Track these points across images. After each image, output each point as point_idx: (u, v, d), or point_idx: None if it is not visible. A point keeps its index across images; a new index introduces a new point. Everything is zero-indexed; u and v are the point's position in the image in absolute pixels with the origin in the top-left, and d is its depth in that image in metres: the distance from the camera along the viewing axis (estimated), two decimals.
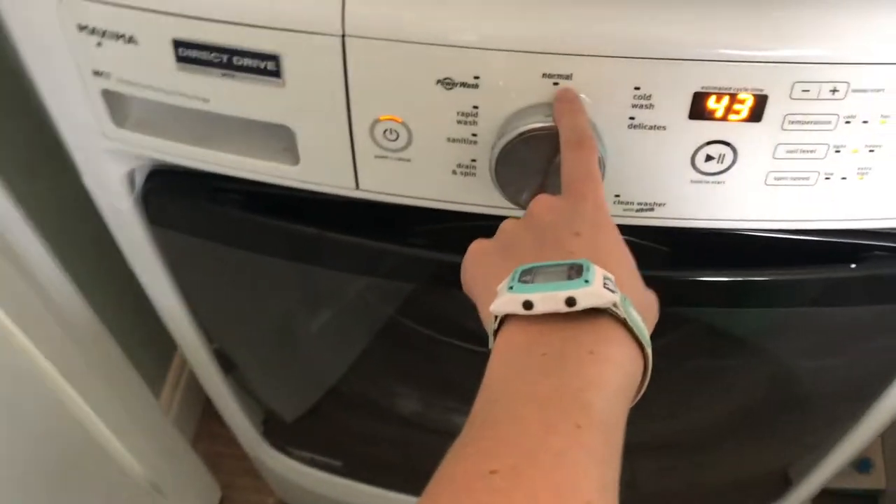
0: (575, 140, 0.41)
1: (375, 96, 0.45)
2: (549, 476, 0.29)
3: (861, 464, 1.23)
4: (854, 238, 0.52)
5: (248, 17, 0.43)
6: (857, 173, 0.45)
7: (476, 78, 0.43)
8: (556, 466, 0.29)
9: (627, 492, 0.32)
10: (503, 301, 0.35)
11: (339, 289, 0.77)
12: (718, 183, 0.46)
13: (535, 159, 0.44)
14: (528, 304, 0.34)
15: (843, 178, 0.46)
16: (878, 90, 0.42)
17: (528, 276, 0.35)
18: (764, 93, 0.42)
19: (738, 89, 0.42)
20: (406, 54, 0.43)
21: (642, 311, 0.36)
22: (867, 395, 0.68)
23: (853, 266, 0.52)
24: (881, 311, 0.57)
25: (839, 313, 0.56)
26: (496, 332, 0.36)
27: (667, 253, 0.55)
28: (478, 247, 0.41)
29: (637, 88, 0.43)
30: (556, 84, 0.43)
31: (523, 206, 0.46)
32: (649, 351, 0.34)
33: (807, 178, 0.46)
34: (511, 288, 0.35)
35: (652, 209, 0.48)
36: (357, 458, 1.04)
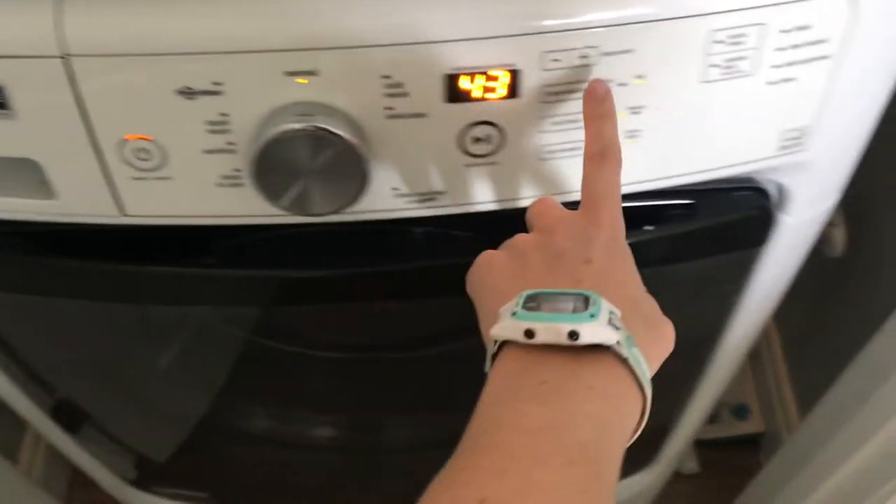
0: (598, 151, 0.40)
1: (116, 116, 0.42)
2: None
3: (738, 410, 1.26)
4: (649, 200, 0.52)
5: None
6: (628, 136, 0.45)
7: (217, 84, 0.41)
8: (545, 501, 0.29)
9: None
10: (504, 326, 0.34)
11: (168, 320, 0.73)
12: (493, 164, 0.45)
13: (294, 161, 0.41)
14: (529, 333, 0.33)
15: None
16: (628, 51, 0.41)
17: (533, 302, 0.34)
18: (516, 67, 0.41)
19: (488, 67, 0.41)
20: (137, 68, 0.40)
21: (650, 344, 0.35)
22: (702, 349, 0.69)
23: (651, 228, 0.52)
24: (689, 268, 0.57)
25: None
26: (494, 355, 0.35)
27: (471, 238, 0.54)
28: (486, 259, 0.39)
29: (386, 77, 0.41)
30: (301, 82, 0.41)
31: (294, 213, 0.44)
32: (649, 392, 0.34)
33: (579, 149, 0.45)
34: (514, 314, 0.34)
35: (433, 198, 0.47)
36: (243, 487, 1.00)
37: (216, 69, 0.40)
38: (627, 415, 0.34)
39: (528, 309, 0.34)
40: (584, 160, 0.41)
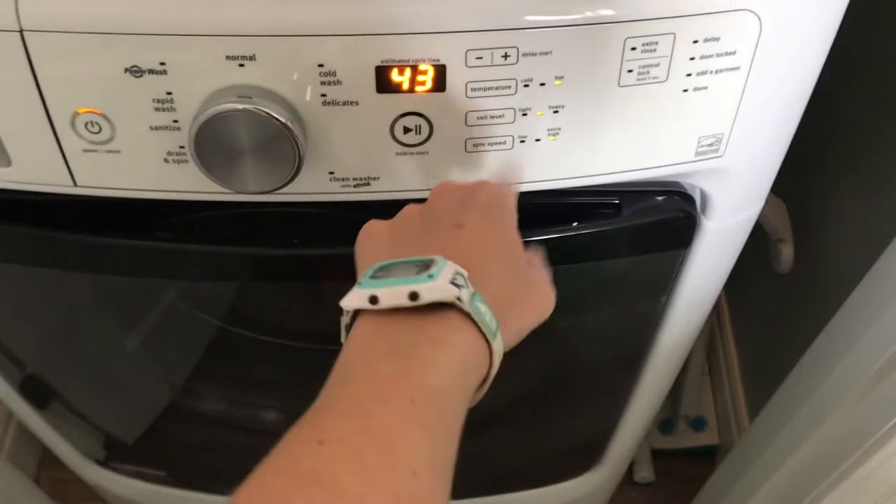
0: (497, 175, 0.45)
1: (68, 90, 0.45)
2: (378, 443, 0.30)
3: (696, 423, 1.29)
4: (577, 197, 0.55)
5: None
6: (549, 134, 0.48)
7: (162, 64, 0.44)
8: (385, 436, 0.30)
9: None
10: (351, 296, 0.36)
11: (135, 303, 0.76)
12: (422, 154, 0.48)
13: (232, 140, 0.44)
14: (373, 299, 0.35)
15: (538, 140, 0.48)
16: (547, 52, 0.44)
17: (382, 271, 0.37)
18: (441, 62, 0.44)
19: (416, 60, 0.44)
20: (88, 45, 0.43)
21: (515, 305, 0.38)
22: (635, 351, 0.72)
23: (575, 224, 0.54)
24: (618, 266, 0.60)
25: (580, 269, 0.59)
26: (349, 326, 0.37)
27: None
28: (368, 228, 0.42)
29: (321, 66, 0.44)
30: (241, 66, 0.44)
31: (232, 189, 0.47)
32: (495, 344, 0.36)
33: (504, 143, 0.48)
34: (360, 284, 0.36)
35: (368, 184, 0.50)
36: (197, 466, 1.03)
37: (162, 50, 0.43)
38: (473, 363, 0.36)
39: (375, 278, 0.36)
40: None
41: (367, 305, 0.36)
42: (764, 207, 0.86)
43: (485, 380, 0.37)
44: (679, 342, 0.72)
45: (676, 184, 0.56)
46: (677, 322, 0.68)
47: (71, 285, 0.70)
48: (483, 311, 0.36)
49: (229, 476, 0.88)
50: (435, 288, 0.35)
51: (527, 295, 0.41)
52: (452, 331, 0.35)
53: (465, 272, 0.36)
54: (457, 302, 0.35)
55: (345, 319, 0.37)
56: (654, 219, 0.55)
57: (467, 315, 0.35)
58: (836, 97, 0.89)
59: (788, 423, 0.81)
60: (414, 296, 0.35)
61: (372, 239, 0.41)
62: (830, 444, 0.73)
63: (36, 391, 0.89)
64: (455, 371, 0.35)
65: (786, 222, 0.91)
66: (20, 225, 0.54)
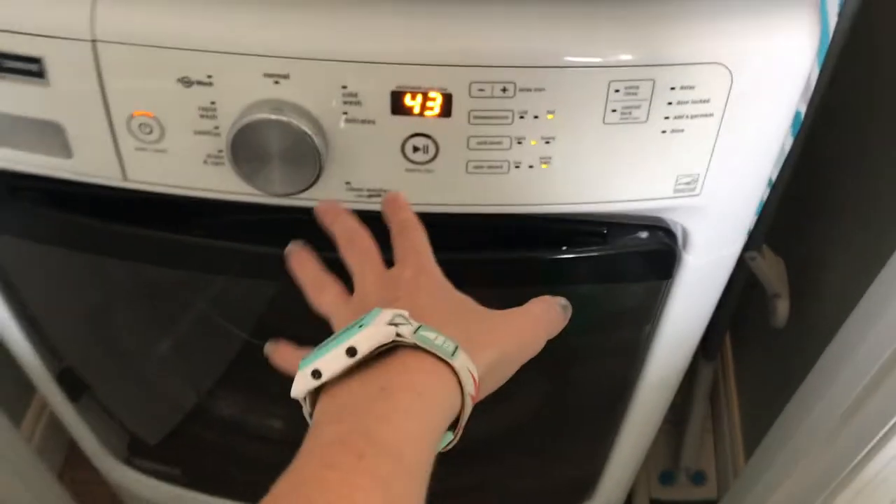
0: (399, 229, 0.46)
1: (128, 94, 0.52)
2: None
3: (696, 476, 1.31)
4: (567, 224, 0.61)
5: (13, 24, 0.50)
6: (541, 162, 0.54)
7: (209, 77, 0.51)
8: (331, 498, 0.30)
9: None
10: (296, 382, 0.35)
11: (180, 303, 0.82)
12: (428, 171, 0.55)
13: (264, 146, 0.51)
14: (315, 373, 0.35)
15: (531, 167, 0.54)
16: (540, 89, 0.51)
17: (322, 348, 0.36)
18: (448, 91, 0.51)
19: (427, 88, 0.51)
20: (149, 57, 0.51)
21: (468, 338, 0.37)
22: (620, 385, 0.77)
23: (564, 248, 0.60)
24: (602, 294, 0.65)
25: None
26: (311, 413, 0.36)
27: None
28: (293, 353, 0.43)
29: (344, 87, 0.51)
30: (276, 83, 0.51)
31: (261, 190, 0.54)
32: (457, 363, 0.35)
33: (500, 167, 0.54)
34: (299, 367, 0.35)
35: (380, 195, 0.56)
36: (212, 468, 1.08)
37: (210, 65, 0.50)
38: (436, 396, 0.35)
39: (313, 352, 0.36)
40: (392, 238, 0.46)
41: (313, 382, 0.35)
42: (760, 261, 0.92)
43: (462, 403, 0.36)
44: (664, 380, 0.77)
45: (659, 219, 0.62)
46: (662, 355, 0.73)
47: (111, 281, 0.77)
48: (432, 338, 0.35)
49: (247, 483, 0.93)
50: (369, 335, 0.34)
51: (493, 324, 0.40)
52: (403, 372, 0.34)
53: (405, 312, 0.36)
54: (398, 339, 0.34)
55: (306, 409, 0.36)
56: (638, 248, 0.61)
57: (416, 348, 0.35)
58: (832, 156, 0.95)
59: (767, 471, 0.84)
60: (352, 351, 0.34)
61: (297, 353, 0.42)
62: (804, 483, 0.77)
63: (71, 383, 0.95)
64: (410, 412, 0.34)
65: (783, 278, 0.95)
66: (73, 212, 0.61)
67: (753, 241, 0.90)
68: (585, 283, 0.64)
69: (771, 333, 1.07)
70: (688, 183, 0.56)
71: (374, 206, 0.56)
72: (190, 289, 0.80)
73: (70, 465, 1.35)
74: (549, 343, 0.66)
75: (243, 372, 0.91)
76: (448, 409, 0.36)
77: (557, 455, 0.93)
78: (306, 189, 0.53)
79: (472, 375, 0.36)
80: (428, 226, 0.59)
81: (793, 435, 0.78)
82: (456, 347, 0.36)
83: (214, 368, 0.92)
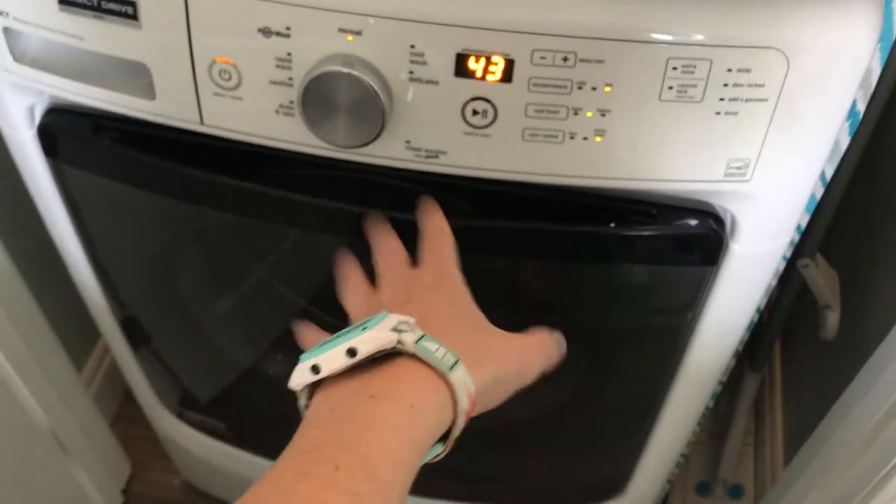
0: (429, 233, 0.48)
1: (211, 40, 0.56)
2: None
3: (733, 490, 1.30)
4: (616, 203, 0.62)
5: None
6: (595, 134, 0.56)
7: (288, 28, 0.54)
8: None
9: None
10: (294, 374, 0.36)
11: (242, 263, 0.86)
12: (486, 136, 0.57)
13: (332, 98, 0.54)
14: (315, 368, 0.35)
15: (585, 139, 0.56)
16: (600, 61, 0.53)
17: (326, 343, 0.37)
18: (511, 57, 0.53)
19: (491, 52, 0.53)
20: (234, 6, 0.54)
21: (471, 352, 0.37)
22: (658, 376, 0.77)
23: (612, 225, 0.62)
24: (645, 276, 0.67)
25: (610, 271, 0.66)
26: (307, 405, 0.36)
27: (466, 208, 0.65)
28: (311, 334, 0.45)
29: (412, 47, 0.54)
30: (350, 39, 0.54)
31: (327, 142, 0.57)
32: (453, 377, 0.35)
33: (555, 136, 0.56)
34: (301, 359, 0.36)
35: (437, 157, 0.59)
36: (257, 424, 1.11)
37: (289, 17, 0.54)
38: (424, 405, 0.35)
39: (316, 347, 0.36)
40: (421, 239, 0.47)
41: (311, 377, 0.35)
42: (813, 270, 0.92)
43: (454, 414, 0.36)
44: (704, 373, 0.78)
45: (708, 205, 0.63)
46: (703, 348, 0.74)
47: (178, 229, 0.81)
48: (433, 349, 0.35)
49: (273, 436, 0.96)
50: (371, 338, 0.34)
51: (497, 343, 0.41)
52: (397, 380, 0.35)
53: (411, 319, 0.36)
54: (398, 346, 0.34)
55: (301, 402, 0.37)
56: (685, 231, 0.62)
57: (415, 358, 0.35)
58: (892, 164, 0.94)
59: (799, 478, 0.84)
60: (352, 352, 0.34)
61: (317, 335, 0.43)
62: (835, 492, 0.76)
63: (132, 332, 1.00)
64: (396, 424, 0.34)
65: (835, 290, 0.95)
66: (150, 153, 0.65)
67: (807, 247, 0.90)
68: (631, 263, 0.65)
69: (820, 346, 1.07)
70: (738, 168, 0.57)
71: (431, 166, 0.59)
72: (253, 249, 0.84)
73: (122, 416, 1.41)
74: (589, 324, 0.68)
75: (288, 333, 0.94)
76: (437, 424, 0.36)
77: (586, 451, 0.93)
78: (369, 143, 0.56)
79: (469, 391, 0.36)
80: (479, 192, 0.62)
81: (826, 443, 0.77)
82: (456, 361, 0.36)
83: (270, 332, 0.95)
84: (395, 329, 0.35)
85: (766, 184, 0.59)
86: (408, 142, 0.58)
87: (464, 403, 0.36)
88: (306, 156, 0.61)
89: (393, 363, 0.35)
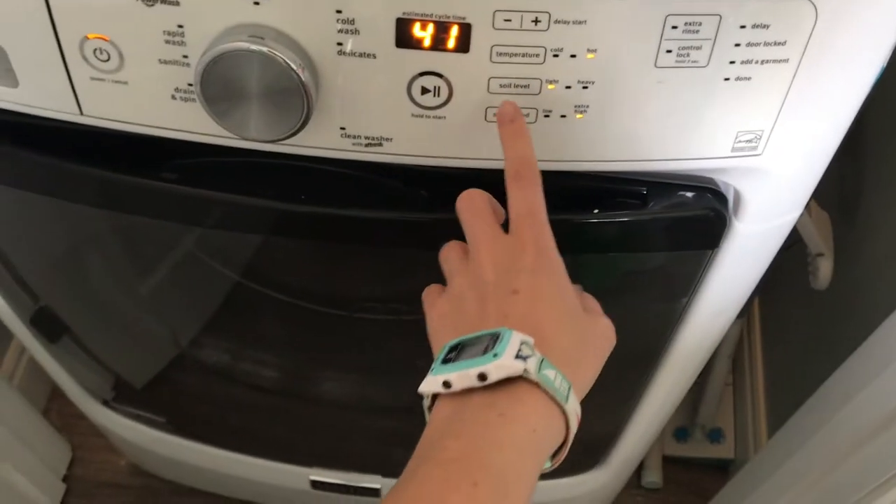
0: (514, 172, 0.43)
1: (79, 13, 0.43)
2: None
3: (712, 434, 1.25)
4: (602, 183, 0.52)
5: None
6: (576, 111, 0.45)
7: None
8: None
9: None
10: (427, 382, 0.39)
11: (162, 242, 0.75)
12: (439, 118, 0.46)
13: (239, 82, 0.42)
14: (447, 384, 0.38)
15: (563, 116, 0.45)
16: (580, 22, 0.41)
17: (453, 352, 0.39)
18: (467, 21, 0.41)
19: (441, 16, 0.41)
20: None
21: (581, 355, 0.41)
22: (649, 352, 0.69)
23: (595, 211, 0.52)
24: (641, 261, 0.57)
25: (593, 260, 0.56)
26: (430, 406, 0.40)
27: (426, 197, 0.54)
28: (436, 310, 0.44)
29: (339, 11, 0.41)
30: (256, 3, 0.41)
31: (236, 134, 0.45)
32: (567, 406, 0.38)
33: (526, 115, 0.45)
34: (433, 370, 0.39)
35: (381, 144, 0.47)
36: (196, 416, 1.02)
37: None
38: (545, 431, 0.38)
39: (447, 361, 0.39)
40: (506, 179, 0.43)
41: (442, 390, 0.38)
42: (805, 218, 0.83)
43: (564, 441, 0.39)
44: (696, 350, 0.69)
45: (710, 180, 0.53)
46: (696, 328, 0.65)
47: (78, 218, 0.69)
48: (552, 378, 0.38)
49: (232, 430, 0.88)
50: (501, 366, 0.37)
51: (591, 344, 0.43)
52: (521, 404, 0.37)
53: (530, 339, 0.38)
54: (524, 374, 0.37)
55: (426, 402, 0.40)
56: (682, 214, 0.52)
57: (537, 384, 0.37)
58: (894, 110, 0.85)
59: (806, 443, 0.77)
60: (483, 376, 0.37)
61: (441, 319, 0.43)
62: (847, 473, 0.69)
63: (48, 324, 0.88)
64: (522, 447, 0.37)
65: (828, 236, 0.87)
66: (25, 148, 0.53)
67: None
68: (619, 251, 0.55)
69: (805, 293, 0.99)
70: (749, 140, 0.47)
71: (373, 157, 0.48)
72: (166, 230, 0.72)
73: (56, 397, 1.30)
74: None
75: (229, 314, 0.84)
76: (551, 445, 0.39)
77: None
78: (291, 135, 0.44)
79: (577, 416, 0.39)
80: (440, 178, 0.51)
81: (825, 425, 0.70)
82: (569, 388, 0.39)
83: (200, 310, 0.85)
84: (518, 355, 0.37)
85: (779, 157, 0.48)
86: (343, 129, 0.47)
87: (574, 427, 0.39)
88: (220, 146, 0.49)
89: (516, 386, 0.38)
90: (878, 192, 0.87)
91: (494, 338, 0.38)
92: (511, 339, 0.38)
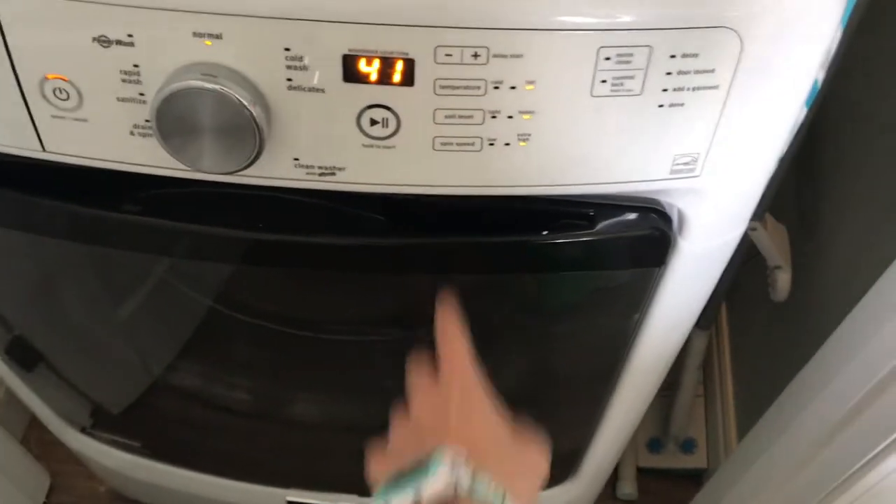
0: (449, 357, 0.47)
1: (37, 54, 0.45)
2: None
3: (686, 444, 1.27)
4: (550, 206, 0.54)
5: None
6: (519, 139, 0.47)
7: (130, 36, 0.43)
8: None
9: None
10: None
11: (127, 270, 0.76)
12: (389, 147, 0.47)
13: (194, 118, 0.44)
14: None
15: (507, 144, 0.47)
16: (518, 55, 0.43)
17: (392, 481, 0.42)
18: (410, 56, 0.43)
19: (385, 52, 0.43)
20: (59, 12, 0.43)
21: (510, 474, 0.43)
22: (607, 369, 0.71)
23: (545, 233, 0.53)
24: (591, 279, 0.59)
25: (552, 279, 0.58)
26: None
27: (382, 222, 0.56)
28: (377, 463, 0.46)
29: (287, 49, 0.43)
30: (208, 44, 0.43)
31: (192, 168, 0.47)
32: None
33: (472, 144, 0.47)
34: (374, 498, 0.41)
35: (333, 173, 0.49)
36: (171, 440, 1.03)
37: (129, 22, 0.43)
38: None
39: (387, 488, 0.41)
40: (441, 364, 0.47)
41: None
42: (762, 231, 0.85)
43: None
44: (655, 362, 0.71)
45: (654, 201, 0.55)
46: (652, 341, 0.67)
47: (48, 249, 0.70)
48: (484, 491, 0.40)
49: (209, 453, 0.88)
50: (433, 486, 0.40)
51: (525, 460, 0.46)
52: None
53: (463, 451, 0.41)
54: (458, 490, 0.40)
55: None
56: (628, 234, 0.54)
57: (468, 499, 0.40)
58: (847, 124, 0.87)
59: (770, 448, 0.79)
60: (418, 496, 0.40)
61: (380, 464, 0.46)
62: (810, 474, 0.71)
63: (22, 353, 0.89)
64: None
65: (785, 249, 0.89)
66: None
67: (755, 212, 0.83)
68: (570, 271, 0.57)
69: (769, 304, 1.01)
70: (686, 163, 0.49)
71: (327, 185, 0.50)
72: (137, 260, 0.73)
73: (35, 425, 1.30)
74: (527, 326, 0.61)
75: (205, 340, 0.85)
76: None
77: (541, 430, 0.87)
78: (245, 167, 0.46)
79: None
80: (393, 206, 0.52)
81: (786, 429, 0.72)
82: (503, 496, 0.41)
83: (176, 336, 0.86)
84: (452, 469, 0.40)
85: (717, 177, 0.51)
86: (296, 159, 0.48)
87: None
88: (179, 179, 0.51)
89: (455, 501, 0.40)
90: (833, 205, 0.90)
91: (428, 458, 0.41)
92: (444, 454, 0.41)
